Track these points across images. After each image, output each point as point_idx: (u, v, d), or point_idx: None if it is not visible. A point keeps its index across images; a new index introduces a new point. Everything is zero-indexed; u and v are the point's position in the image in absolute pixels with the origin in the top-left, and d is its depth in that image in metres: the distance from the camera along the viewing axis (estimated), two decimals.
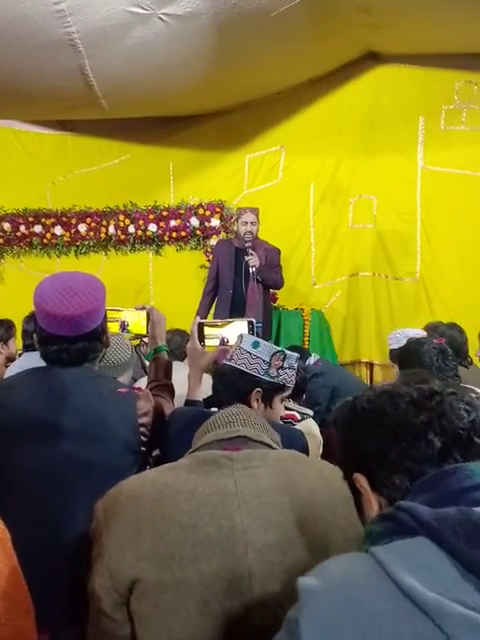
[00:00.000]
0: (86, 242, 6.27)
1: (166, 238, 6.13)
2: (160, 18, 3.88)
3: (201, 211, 6.00)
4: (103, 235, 6.23)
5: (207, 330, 2.21)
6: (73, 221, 6.25)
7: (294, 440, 1.77)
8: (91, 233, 6.24)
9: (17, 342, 3.66)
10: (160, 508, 1.14)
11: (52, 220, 6.28)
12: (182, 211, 6.06)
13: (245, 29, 4.17)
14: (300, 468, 1.24)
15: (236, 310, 4.68)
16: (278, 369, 1.86)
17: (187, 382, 2.14)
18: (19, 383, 1.71)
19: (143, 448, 1.73)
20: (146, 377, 2.54)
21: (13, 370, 2.83)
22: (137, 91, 4.74)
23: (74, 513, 1.51)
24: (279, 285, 5.00)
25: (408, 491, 0.83)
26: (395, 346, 3.31)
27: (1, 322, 3.70)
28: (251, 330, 2.18)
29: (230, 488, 1.17)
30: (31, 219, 6.30)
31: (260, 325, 4.20)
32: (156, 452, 1.95)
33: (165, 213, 6.10)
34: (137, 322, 2.25)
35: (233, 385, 1.85)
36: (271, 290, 5.11)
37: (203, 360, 2.13)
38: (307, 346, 5.09)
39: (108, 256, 6.32)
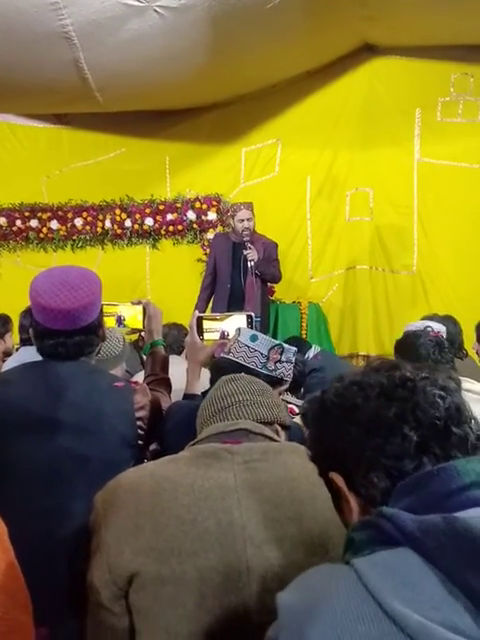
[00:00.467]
0: (82, 236, 6.25)
1: (163, 232, 6.12)
2: (155, 10, 3.86)
3: (198, 205, 5.99)
4: (99, 229, 6.20)
5: (206, 324, 2.21)
6: (69, 215, 6.22)
7: (294, 433, 1.77)
8: (87, 227, 6.22)
9: (14, 336, 3.66)
10: (159, 501, 1.14)
11: (48, 214, 6.25)
12: (179, 205, 6.04)
13: (241, 21, 4.15)
14: (301, 462, 1.22)
15: (234, 304, 4.68)
16: (276, 363, 1.86)
17: (184, 376, 2.14)
18: (16, 377, 1.71)
19: (140, 442, 1.73)
20: (143, 371, 2.55)
21: (10, 364, 2.83)
22: (132, 84, 4.72)
23: (71, 507, 1.51)
24: (277, 279, 5.00)
25: (388, 490, 0.78)
26: None
27: None
28: (250, 324, 2.18)
29: (230, 482, 1.16)
30: (27, 213, 6.27)
31: (259, 319, 4.20)
32: (153, 446, 1.96)
33: (162, 207, 6.08)
34: (133, 317, 2.25)
35: None
36: (268, 284, 5.10)
37: (202, 354, 2.13)
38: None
39: (105, 250, 6.30)
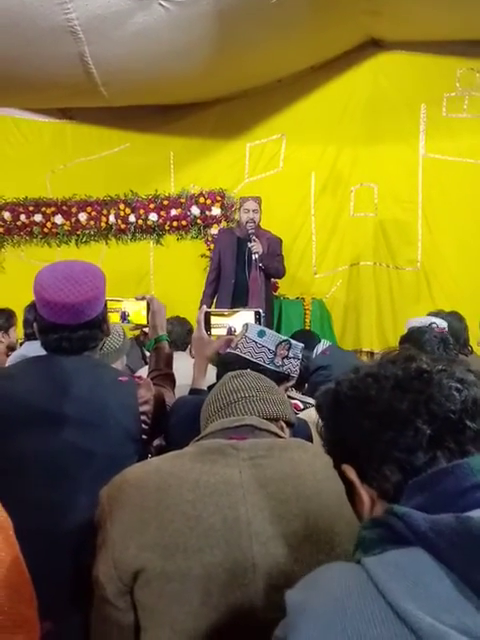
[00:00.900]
0: (87, 231, 6.25)
1: (167, 227, 6.11)
2: (160, 4, 3.84)
3: (202, 200, 5.97)
4: (103, 224, 6.20)
5: (214, 319, 2.20)
6: (73, 210, 6.22)
7: (298, 429, 1.77)
8: (91, 222, 6.21)
9: (18, 331, 3.66)
10: (165, 497, 1.14)
11: (52, 209, 6.25)
12: (183, 200, 6.03)
13: (246, 16, 4.13)
14: (307, 458, 1.23)
15: (238, 299, 4.67)
16: (283, 359, 1.86)
17: (188, 371, 2.14)
18: (20, 372, 1.70)
19: (144, 437, 1.73)
20: (146, 367, 2.54)
21: (14, 359, 2.84)
22: (137, 78, 4.71)
23: (75, 501, 1.51)
24: (281, 274, 4.99)
25: (400, 484, 0.77)
26: None
27: (2, 311, 3.71)
28: (258, 320, 2.18)
29: (235, 478, 1.16)
30: (31, 208, 6.27)
31: (264, 315, 4.19)
32: (157, 441, 1.96)
33: (166, 202, 6.07)
34: (137, 312, 2.25)
35: None
36: (272, 279, 5.10)
37: (209, 349, 2.13)
38: None
39: (109, 245, 6.30)
